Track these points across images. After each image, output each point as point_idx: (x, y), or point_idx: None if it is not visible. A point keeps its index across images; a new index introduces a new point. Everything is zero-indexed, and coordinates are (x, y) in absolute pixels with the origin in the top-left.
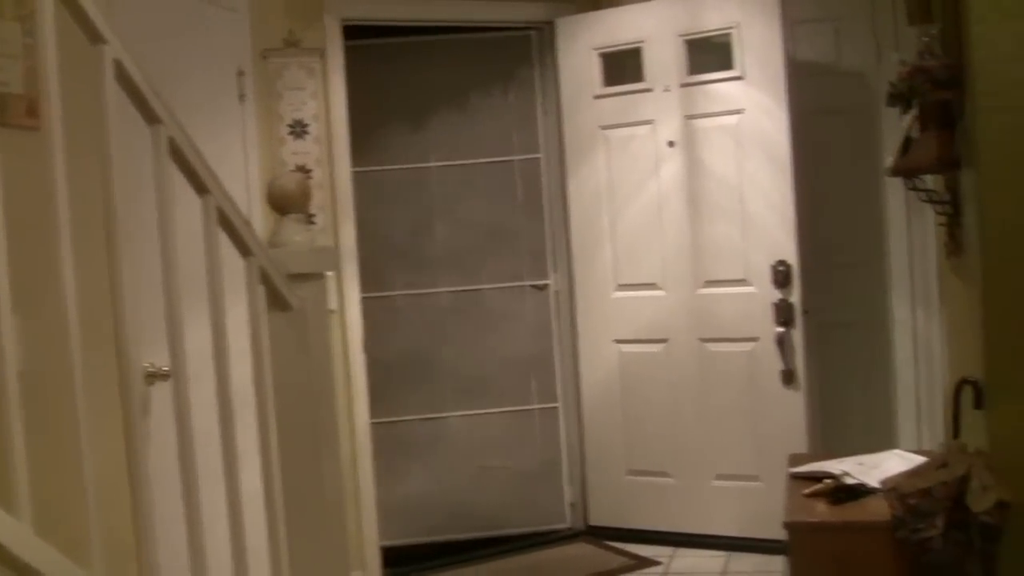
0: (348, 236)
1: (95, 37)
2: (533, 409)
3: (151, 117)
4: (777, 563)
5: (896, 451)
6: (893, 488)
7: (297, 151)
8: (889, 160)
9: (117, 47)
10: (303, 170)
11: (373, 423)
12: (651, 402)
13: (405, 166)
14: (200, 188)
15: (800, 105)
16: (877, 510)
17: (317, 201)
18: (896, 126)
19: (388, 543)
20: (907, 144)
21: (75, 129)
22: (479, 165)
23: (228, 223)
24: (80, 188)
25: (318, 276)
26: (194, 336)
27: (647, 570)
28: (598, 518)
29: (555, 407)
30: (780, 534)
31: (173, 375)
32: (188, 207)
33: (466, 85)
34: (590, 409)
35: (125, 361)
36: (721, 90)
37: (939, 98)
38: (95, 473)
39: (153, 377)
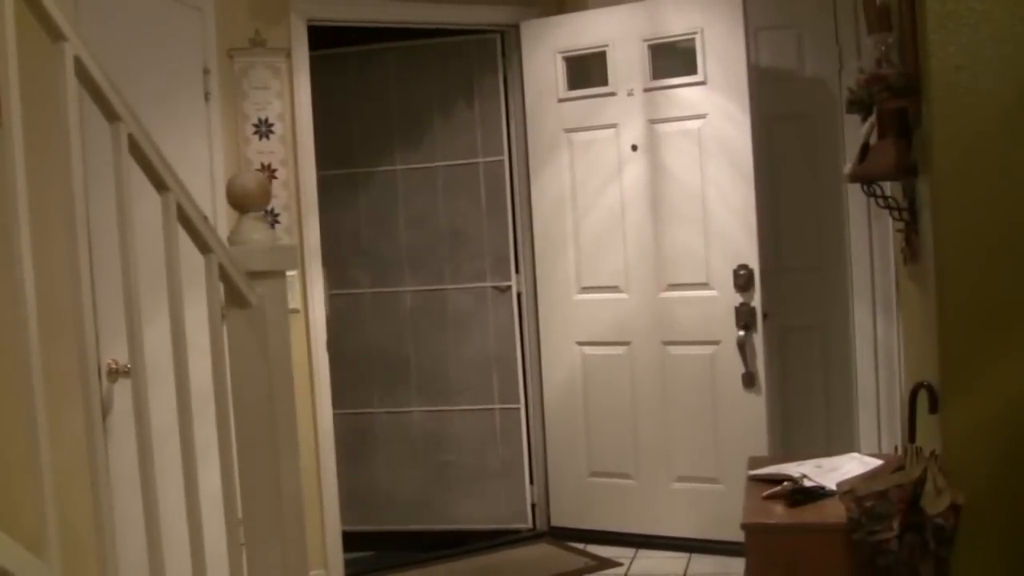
0: (312, 235)
1: (55, 34)
2: (495, 409)
3: (111, 114)
4: (737, 565)
5: (855, 454)
6: (849, 490)
7: (262, 150)
8: (848, 167)
9: (77, 44)
10: (268, 169)
11: (338, 414)
12: (613, 404)
13: (374, 169)
14: (159, 185)
15: (763, 111)
16: (834, 512)
17: (282, 200)
18: (857, 132)
19: (349, 528)
20: (865, 151)
21: (34, 126)
22: (444, 168)
23: (187, 220)
24: (39, 184)
25: (278, 274)
26: (155, 333)
27: (608, 571)
28: (560, 519)
29: (517, 408)
30: (740, 536)
31: (132, 371)
32: (147, 204)
33: (433, 89)
34: (552, 410)
35: (84, 357)
36: (684, 95)
37: (896, 106)
38: (53, 468)
39: (116, 374)
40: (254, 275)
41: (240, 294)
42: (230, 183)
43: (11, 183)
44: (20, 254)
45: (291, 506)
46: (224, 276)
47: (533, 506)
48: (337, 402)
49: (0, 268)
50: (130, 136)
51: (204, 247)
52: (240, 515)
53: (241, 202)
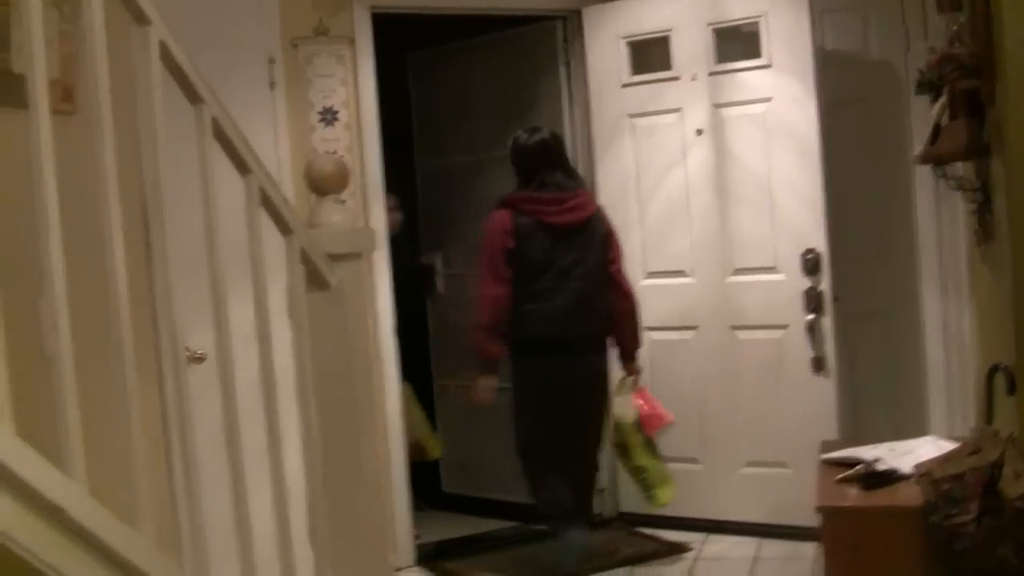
0: (378, 221)
1: (140, 18)
2: None
3: (194, 97)
4: (807, 549)
5: (929, 437)
6: (925, 474)
7: (327, 138)
8: (918, 148)
9: (161, 28)
10: None
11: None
12: (680, 389)
13: (467, 158)
14: (242, 167)
15: (828, 94)
16: (909, 496)
17: (347, 187)
18: (925, 115)
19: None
20: (936, 132)
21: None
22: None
23: (269, 202)
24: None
25: (356, 256)
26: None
27: (679, 556)
28: (628, 504)
29: None
30: (809, 520)
31: (218, 353)
32: (223, 188)
33: (508, 80)
34: None
35: (172, 343)
36: (749, 79)
37: (968, 86)
38: (145, 444)
39: (189, 360)
40: (334, 257)
41: (320, 276)
42: (309, 166)
43: (101, 168)
44: (111, 240)
45: (370, 486)
46: (305, 258)
47: (601, 491)
48: (443, 374)
49: (81, 254)
50: (214, 119)
51: (286, 229)
52: (319, 499)
53: (320, 185)
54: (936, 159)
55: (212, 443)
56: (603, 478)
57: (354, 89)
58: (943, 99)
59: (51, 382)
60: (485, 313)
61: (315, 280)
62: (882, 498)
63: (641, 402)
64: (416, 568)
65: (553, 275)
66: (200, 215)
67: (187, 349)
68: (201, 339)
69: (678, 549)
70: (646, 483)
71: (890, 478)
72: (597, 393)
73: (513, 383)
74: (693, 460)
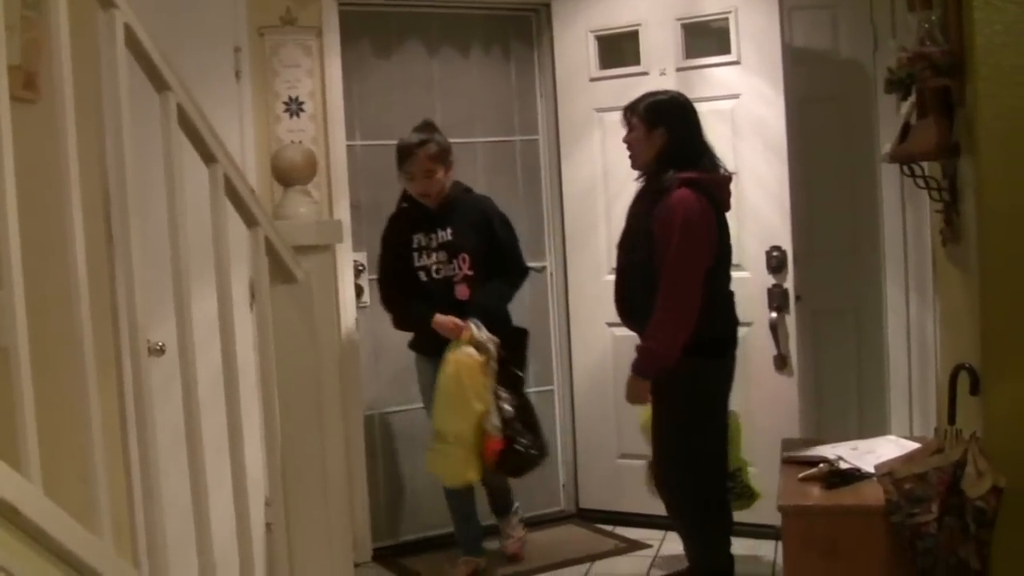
0: (343, 214)
1: (105, 1)
2: (529, 392)
3: (160, 84)
4: (768, 547)
5: (890, 437)
6: (888, 473)
7: (292, 128)
8: (887, 147)
9: (127, 12)
10: None
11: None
12: None
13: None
14: (208, 157)
15: (796, 91)
16: (871, 495)
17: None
18: (892, 113)
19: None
20: (906, 131)
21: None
22: (480, 144)
23: (235, 193)
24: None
25: (325, 248)
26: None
27: (638, 553)
28: (588, 501)
29: (551, 390)
30: (771, 519)
31: (180, 347)
32: (188, 178)
33: (468, 63)
34: (582, 392)
35: (128, 328)
36: (717, 75)
37: (939, 84)
38: (104, 441)
39: (148, 353)
40: (300, 249)
41: (286, 269)
42: (276, 156)
43: (64, 159)
44: (72, 235)
45: (336, 485)
46: (270, 250)
47: (564, 487)
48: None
49: (37, 245)
50: (179, 107)
51: (251, 220)
52: (280, 495)
53: (287, 175)
54: (905, 158)
55: (170, 437)
56: (564, 473)
57: (321, 80)
58: (912, 98)
59: (6, 376)
60: (687, 312)
61: (280, 273)
62: (844, 497)
63: None
64: (373, 563)
65: (726, 265)
66: (165, 205)
67: (147, 341)
68: (162, 331)
69: (637, 546)
70: (744, 483)
71: (852, 477)
72: None
73: (695, 393)
74: None
